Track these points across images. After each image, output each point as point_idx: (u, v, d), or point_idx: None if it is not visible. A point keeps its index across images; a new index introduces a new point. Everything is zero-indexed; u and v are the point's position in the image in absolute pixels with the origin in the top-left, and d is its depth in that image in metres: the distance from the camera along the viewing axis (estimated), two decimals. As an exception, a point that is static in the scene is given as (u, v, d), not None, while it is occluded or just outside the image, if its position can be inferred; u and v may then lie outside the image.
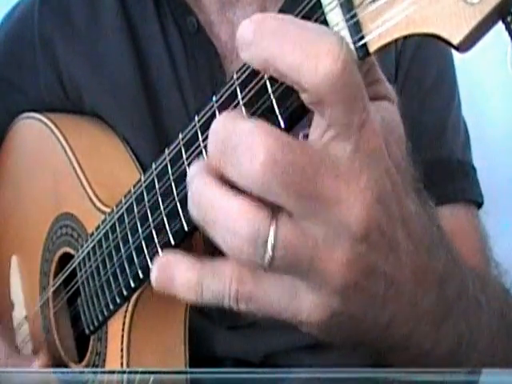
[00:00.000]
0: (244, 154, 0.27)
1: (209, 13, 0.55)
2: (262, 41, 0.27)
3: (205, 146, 0.34)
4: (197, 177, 0.30)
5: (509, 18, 0.26)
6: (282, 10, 0.30)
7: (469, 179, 0.58)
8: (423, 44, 0.57)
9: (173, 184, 0.37)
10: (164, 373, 0.41)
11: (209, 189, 0.29)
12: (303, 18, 0.29)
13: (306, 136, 0.30)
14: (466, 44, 0.26)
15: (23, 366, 0.53)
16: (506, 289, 0.47)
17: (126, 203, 0.43)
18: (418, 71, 0.57)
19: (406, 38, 0.27)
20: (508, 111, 0.88)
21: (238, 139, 0.28)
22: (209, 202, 0.29)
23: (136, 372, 0.46)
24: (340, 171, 0.28)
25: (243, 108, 0.32)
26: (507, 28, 0.26)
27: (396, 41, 0.28)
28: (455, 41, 0.26)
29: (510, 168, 0.88)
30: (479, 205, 0.59)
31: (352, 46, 0.28)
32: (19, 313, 0.59)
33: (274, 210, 0.28)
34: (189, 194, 0.30)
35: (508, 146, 0.88)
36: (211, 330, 0.54)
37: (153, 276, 0.32)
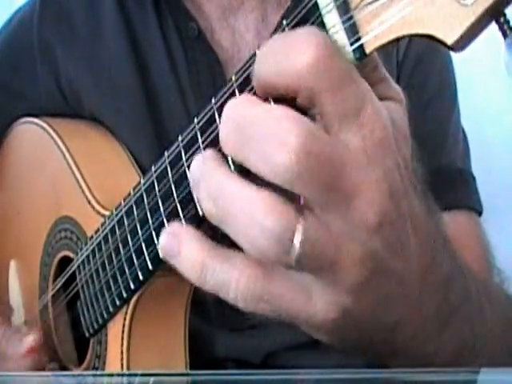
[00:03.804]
0: (272, 143, 0.26)
1: (210, 19, 0.56)
2: (259, 64, 0.29)
3: (204, 148, 0.34)
4: (211, 169, 0.28)
5: (502, 19, 0.26)
6: (283, 18, 0.31)
7: (469, 187, 0.59)
8: (425, 55, 0.58)
9: (173, 186, 0.37)
10: (164, 375, 0.41)
11: (230, 182, 0.27)
12: (301, 20, 0.30)
13: None
14: (460, 44, 0.27)
15: (14, 338, 0.52)
16: (509, 295, 0.47)
17: (125, 206, 0.43)
18: (419, 80, 0.58)
19: (399, 39, 0.28)
20: (507, 114, 0.89)
21: (264, 127, 0.26)
22: (230, 198, 0.27)
23: (136, 374, 0.47)
24: (359, 161, 0.27)
25: None
26: (500, 28, 0.27)
27: (394, 42, 0.28)
28: (449, 41, 0.26)
29: (508, 172, 0.88)
30: (479, 213, 0.59)
31: (349, 48, 0.29)
32: (18, 317, 0.59)
33: (299, 205, 0.27)
34: (201, 188, 0.28)
35: (507, 150, 0.89)
36: (211, 333, 0.54)
37: (160, 242, 0.30)
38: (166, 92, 0.55)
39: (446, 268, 0.34)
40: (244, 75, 0.32)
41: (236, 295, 0.29)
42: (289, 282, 0.29)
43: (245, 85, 0.32)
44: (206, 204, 0.28)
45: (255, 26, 0.55)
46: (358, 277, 0.28)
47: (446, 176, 0.58)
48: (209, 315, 0.54)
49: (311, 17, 0.29)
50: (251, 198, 0.27)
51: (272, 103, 0.28)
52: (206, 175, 0.28)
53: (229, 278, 0.29)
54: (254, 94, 0.31)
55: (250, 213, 0.26)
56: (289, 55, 0.27)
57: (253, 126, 0.27)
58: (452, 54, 0.64)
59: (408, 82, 0.57)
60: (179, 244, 0.30)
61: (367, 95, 0.28)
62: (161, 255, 0.31)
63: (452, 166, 0.59)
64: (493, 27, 0.27)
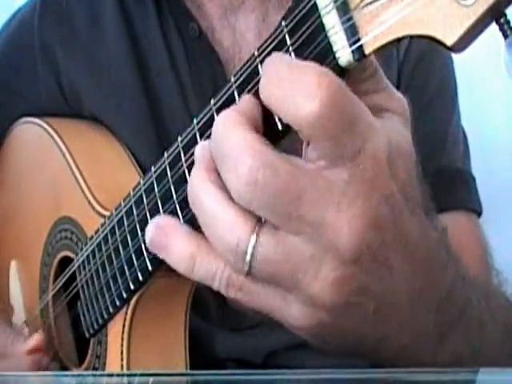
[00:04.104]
0: (231, 167, 0.29)
1: (210, 19, 0.56)
2: (263, 80, 0.30)
3: None
4: (196, 173, 0.31)
5: (502, 19, 0.26)
6: (284, 18, 0.31)
7: (469, 188, 0.59)
8: (426, 55, 0.58)
9: (172, 187, 0.37)
10: (164, 375, 0.41)
11: (203, 190, 0.30)
12: (300, 21, 0.30)
13: None
14: (460, 45, 0.27)
15: (17, 336, 0.53)
16: (507, 298, 0.47)
17: (125, 206, 0.43)
18: (420, 81, 0.58)
19: (398, 40, 0.28)
20: (508, 115, 0.88)
21: (228, 150, 0.29)
22: (201, 204, 0.30)
23: (135, 374, 0.47)
24: (331, 195, 0.28)
25: None
26: (501, 29, 0.27)
27: (393, 43, 0.28)
28: (449, 42, 0.26)
29: (509, 173, 0.88)
30: (479, 214, 0.59)
31: (348, 49, 0.29)
32: (19, 317, 0.59)
33: (260, 222, 0.29)
34: (188, 189, 0.31)
35: (508, 151, 0.89)
36: (212, 332, 0.54)
37: (148, 235, 0.33)
38: (167, 92, 0.55)
39: (447, 284, 0.34)
40: (243, 76, 0.32)
41: (219, 284, 0.31)
42: (266, 285, 0.30)
43: (243, 86, 0.32)
44: (190, 206, 0.31)
45: (256, 25, 0.55)
46: (333, 298, 0.29)
47: (445, 176, 0.57)
48: (209, 315, 0.54)
49: (310, 18, 0.29)
50: (215, 209, 0.30)
51: (242, 126, 0.29)
52: (191, 179, 0.31)
53: (214, 269, 0.31)
54: (254, 93, 0.31)
55: (212, 222, 0.30)
56: (296, 96, 0.28)
57: (223, 148, 0.29)
58: (454, 56, 0.64)
59: (409, 83, 0.57)
60: (167, 237, 0.32)
61: (369, 133, 0.28)
62: (148, 247, 0.33)
63: (452, 167, 0.59)
64: (493, 27, 0.27)
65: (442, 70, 0.60)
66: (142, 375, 0.44)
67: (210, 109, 0.34)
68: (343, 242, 0.28)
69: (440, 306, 0.33)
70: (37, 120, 0.59)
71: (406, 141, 0.31)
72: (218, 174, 0.30)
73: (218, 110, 0.34)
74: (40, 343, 0.51)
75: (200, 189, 0.30)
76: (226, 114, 0.30)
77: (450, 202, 0.56)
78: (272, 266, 0.29)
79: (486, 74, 0.82)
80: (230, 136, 0.29)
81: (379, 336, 0.32)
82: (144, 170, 0.53)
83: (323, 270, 0.29)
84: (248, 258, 0.29)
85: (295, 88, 0.28)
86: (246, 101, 0.31)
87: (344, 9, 0.28)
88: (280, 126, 0.31)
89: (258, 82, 0.31)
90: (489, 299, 0.39)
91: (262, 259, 0.29)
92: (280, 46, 0.31)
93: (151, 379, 0.40)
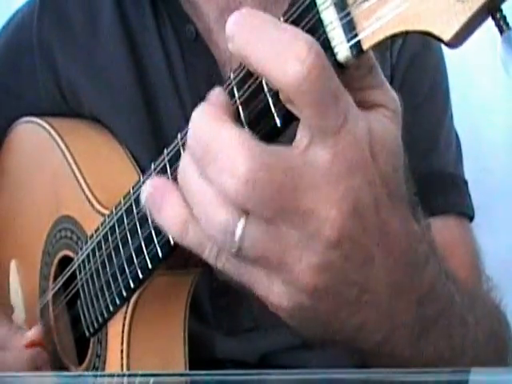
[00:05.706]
0: (224, 167, 0.28)
1: (208, 21, 0.56)
2: (241, 34, 0.29)
3: None
4: (183, 156, 0.31)
5: (498, 14, 0.27)
6: (283, 14, 0.31)
7: (460, 192, 0.59)
8: (418, 57, 0.58)
9: None
10: (164, 375, 0.41)
11: (189, 171, 0.30)
12: (298, 17, 0.30)
13: None
14: (457, 40, 0.27)
15: (17, 332, 0.53)
16: (496, 304, 0.47)
17: (125, 204, 0.43)
18: (411, 83, 0.58)
19: (395, 36, 0.28)
20: (504, 117, 0.89)
21: (219, 149, 0.28)
22: (188, 186, 0.30)
23: (136, 375, 0.47)
24: (318, 181, 0.29)
25: (240, 107, 0.32)
26: (496, 24, 0.27)
27: (391, 38, 0.28)
28: (446, 37, 0.27)
29: (505, 172, 0.88)
30: (471, 218, 0.59)
31: (346, 45, 0.29)
32: (18, 317, 0.59)
33: None
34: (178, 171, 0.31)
35: (503, 152, 0.89)
36: (209, 335, 0.54)
37: (144, 192, 0.32)
38: (164, 94, 0.56)
39: (429, 279, 0.34)
40: (242, 73, 0.33)
41: (209, 254, 0.31)
42: (252, 264, 0.30)
43: (243, 82, 0.32)
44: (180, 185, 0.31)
45: None
46: (314, 282, 0.30)
47: (437, 180, 0.57)
48: (206, 319, 0.54)
49: (308, 14, 0.30)
50: (204, 191, 0.29)
51: (230, 123, 0.29)
52: (180, 170, 0.31)
53: (207, 239, 0.31)
54: (251, 93, 0.32)
55: (201, 201, 0.30)
56: (284, 55, 0.28)
57: (212, 147, 0.29)
58: (449, 55, 0.64)
59: (401, 84, 0.57)
60: (162, 198, 0.32)
61: (350, 114, 0.29)
62: (144, 205, 0.32)
63: (443, 171, 0.58)
64: (490, 28, 0.27)
65: (434, 72, 0.60)
66: (141, 375, 0.44)
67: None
68: (329, 226, 0.29)
69: (421, 299, 0.34)
70: (37, 119, 0.59)
71: (391, 135, 0.31)
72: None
73: None
74: (37, 337, 0.51)
75: (187, 166, 0.30)
76: (206, 108, 0.30)
77: (441, 205, 0.56)
78: (260, 248, 0.29)
79: (482, 75, 0.82)
80: (221, 133, 0.29)
81: (358, 324, 0.32)
82: (141, 170, 0.53)
83: (306, 255, 0.29)
84: (237, 239, 0.29)
85: (284, 47, 0.27)
86: (220, 94, 0.31)
87: (342, 5, 0.28)
88: (279, 122, 0.31)
89: (257, 78, 0.32)
90: (474, 301, 0.39)
91: (250, 241, 0.29)
92: None
93: (151, 379, 0.40)
